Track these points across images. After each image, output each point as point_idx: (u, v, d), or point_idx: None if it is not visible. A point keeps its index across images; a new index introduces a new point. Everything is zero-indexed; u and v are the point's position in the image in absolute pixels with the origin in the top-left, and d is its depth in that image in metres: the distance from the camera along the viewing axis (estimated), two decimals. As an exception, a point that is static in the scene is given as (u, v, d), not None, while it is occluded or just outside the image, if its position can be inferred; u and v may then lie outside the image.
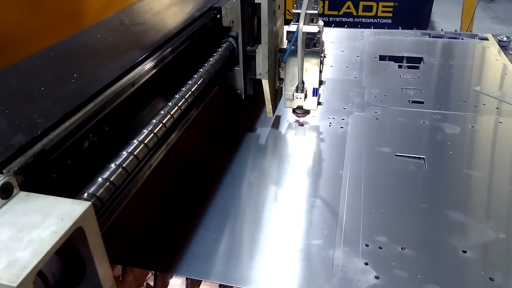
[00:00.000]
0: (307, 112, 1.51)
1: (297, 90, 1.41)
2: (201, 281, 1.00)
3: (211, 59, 1.25)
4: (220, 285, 0.96)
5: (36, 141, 0.67)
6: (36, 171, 0.66)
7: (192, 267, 0.96)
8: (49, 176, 0.70)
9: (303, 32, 1.31)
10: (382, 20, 4.56)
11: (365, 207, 1.11)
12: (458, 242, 1.00)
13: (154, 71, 1.03)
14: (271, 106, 1.44)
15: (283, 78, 1.43)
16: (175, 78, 1.15)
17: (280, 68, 1.42)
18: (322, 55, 1.39)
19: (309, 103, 1.45)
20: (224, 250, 1.00)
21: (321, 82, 1.45)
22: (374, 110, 1.56)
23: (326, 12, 4.63)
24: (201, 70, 1.17)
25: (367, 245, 1.00)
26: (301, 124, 1.52)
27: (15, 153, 0.63)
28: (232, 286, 0.94)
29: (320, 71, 1.41)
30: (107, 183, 0.73)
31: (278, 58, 1.42)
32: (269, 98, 1.41)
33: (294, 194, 1.18)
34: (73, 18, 1.95)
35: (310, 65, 1.38)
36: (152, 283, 1.02)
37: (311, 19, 1.34)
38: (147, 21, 1.27)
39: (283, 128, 1.51)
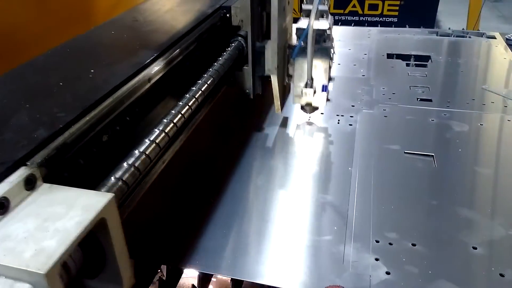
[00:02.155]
0: (315, 108, 1.51)
1: (306, 86, 1.40)
2: (212, 275, 1.01)
3: (220, 58, 1.25)
4: (231, 279, 0.97)
5: (58, 134, 0.68)
6: (58, 163, 0.67)
7: (204, 261, 0.97)
8: (71, 168, 0.71)
9: (313, 29, 1.30)
10: (388, 19, 4.55)
11: (374, 204, 1.12)
12: (468, 239, 1.01)
13: (168, 67, 1.05)
14: (279, 103, 1.44)
15: (291, 75, 1.42)
16: (187, 75, 1.16)
17: (289, 65, 1.41)
18: (332, 51, 1.39)
19: (318, 99, 1.44)
20: (235, 245, 1.01)
21: (330, 79, 1.44)
22: (383, 108, 1.57)
23: (332, 10, 4.62)
24: (210, 69, 1.18)
25: (377, 241, 1.01)
26: (310, 124, 1.52)
27: (38, 145, 0.64)
28: (243, 280, 0.95)
29: (330, 67, 1.41)
30: (120, 183, 0.74)
31: (287, 55, 1.42)
32: (278, 94, 1.40)
33: (304, 191, 1.19)
34: (82, 18, 1.96)
35: (320, 62, 1.37)
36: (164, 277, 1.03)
37: (320, 15, 1.34)
38: (158, 19, 1.29)
39: (292, 126, 1.51)
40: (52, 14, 1.84)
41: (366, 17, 4.62)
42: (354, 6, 4.60)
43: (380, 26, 2.44)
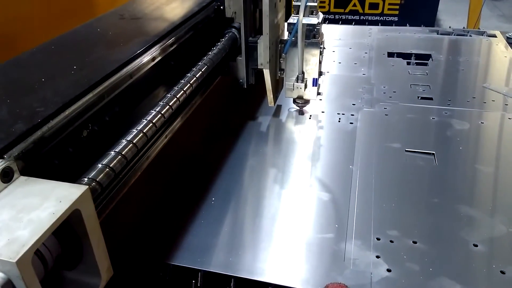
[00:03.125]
0: (307, 101, 1.56)
1: (297, 80, 1.46)
2: (213, 273, 1.01)
3: (214, 48, 1.29)
4: (232, 277, 0.97)
5: (36, 129, 0.70)
6: (36, 157, 0.69)
7: (205, 260, 0.97)
8: (49, 162, 0.73)
9: (303, 24, 1.35)
10: (388, 18, 4.54)
11: (376, 202, 1.12)
12: (469, 236, 1.01)
13: (154, 62, 1.06)
14: (272, 96, 1.49)
15: (284, 69, 1.48)
16: (178, 68, 1.18)
17: (281, 59, 1.47)
18: (322, 46, 1.44)
19: (309, 93, 1.50)
20: (236, 243, 1.01)
21: (320, 73, 1.50)
22: (384, 106, 1.57)
23: (332, 9, 4.61)
24: (205, 58, 1.21)
25: (378, 239, 1.01)
26: (302, 113, 1.57)
27: (15, 139, 0.66)
28: (245, 278, 0.95)
29: (320, 62, 1.46)
30: (107, 169, 0.76)
31: (279, 49, 1.47)
32: (270, 88, 1.46)
33: (305, 189, 1.19)
34: (84, 10, 1.94)
35: (310, 56, 1.43)
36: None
37: (310, 11, 1.37)
38: (150, 13, 1.30)
39: (291, 124, 1.52)
40: (55, 4, 1.82)
41: (367, 16, 4.61)
42: (354, 5, 4.59)
43: (381, 25, 2.44)
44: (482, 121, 1.48)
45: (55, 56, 1.00)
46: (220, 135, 1.47)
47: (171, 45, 1.14)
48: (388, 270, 0.93)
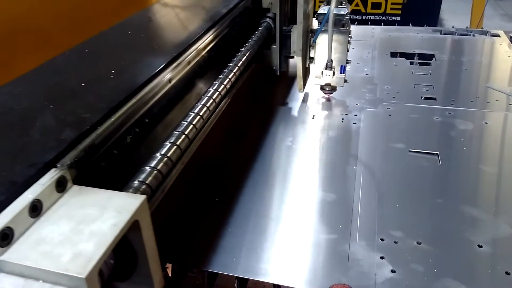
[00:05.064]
0: (334, 89, 1.62)
1: (326, 68, 1.54)
2: (217, 273, 1.01)
3: (252, 37, 1.35)
4: (236, 277, 0.98)
5: (85, 136, 0.68)
6: (86, 165, 0.66)
7: (209, 260, 0.97)
8: (97, 170, 0.70)
9: (333, 14, 1.42)
10: (391, 18, 4.54)
11: (380, 202, 1.12)
12: (473, 237, 1.01)
13: (192, 63, 1.06)
14: (302, 82, 1.58)
15: (312, 57, 1.56)
16: (218, 60, 1.19)
17: (310, 47, 1.55)
18: (350, 35, 1.51)
19: (337, 80, 1.57)
20: (239, 243, 1.01)
21: (348, 61, 1.56)
22: (387, 107, 1.57)
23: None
24: (243, 49, 1.25)
25: (382, 240, 1.01)
26: (328, 100, 1.64)
27: (67, 147, 0.64)
28: (248, 279, 0.95)
29: (348, 51, 1.52)
30: (155, 172, 0.74)
31: (309, 38, 1.55)
32: (301, 74, 1.54)
33: (308, 189, 1.19)
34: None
35: (339, 44, 1.50)
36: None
37: (340, 2, 1.46)
38: (180, 13, 1.31)
39: (295, 125, 1.51)
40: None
41: (369, 16, 4.61)
42: (357, 5, 4.59)
43: (383, 25, 2.43)
44: (486, 121, 1.48)
45: (90, 59, 0.98)
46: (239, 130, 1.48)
47: (212, 41, 1.15)
48: (393, 271, 0.93)
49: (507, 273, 0.92)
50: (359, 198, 1.14)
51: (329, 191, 1.17)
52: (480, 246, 0.98)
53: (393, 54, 2.04)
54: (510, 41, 2.14)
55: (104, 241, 0.52)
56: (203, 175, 1.26)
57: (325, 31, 1.46)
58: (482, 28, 2.42)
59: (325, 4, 1.46)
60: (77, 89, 0.82)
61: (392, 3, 4.50)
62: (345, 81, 1.59)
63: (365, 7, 4.58)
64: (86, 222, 0.54)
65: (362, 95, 1.66)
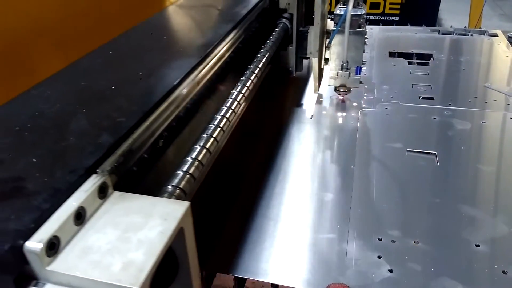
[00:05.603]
0: (349, 90, 1.61)
1: (341, 68, 1.52)
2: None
3: (271, 37, 1.34)
4: (234, 277, 0.98)
5: (123, 140, 0.66)
6: (125, 170, 0.65)
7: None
8: (134, 175, 0.69)
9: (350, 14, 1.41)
10: (389, 17, 4.54)
11: (377, 202, 1.12)
12: (470, 236, 1.01)
13: (216, 67, 1.04)
14: (317, 84, 1.58)
15: (328, 58, 1.55)
16: (239, 62, 1.18)
17: (326, 48, 1.53)
18: (366, 36, 1.50)
19: (352, 81, 1.55)
20: (237, 243, 1.01)
21: (363, 62, 1.54)
22: (385, 106, 1.57)
23: (333, 9, 4.61)
24: (262, 50, 1.24)
25: (380, 239, 1.01)
26: (343, 101, 1.63)
27: (106, 152, 0.62)
28: (246, 278, 0.95)
29: (364, 51, 1.51)
30: (188, 176, 0.73)
31: (325, 39, 1.53)
32: (317, 76, 1.55)
33: (306, 189, 1.19)
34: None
35: (355, 45, 1.48)
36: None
37: (356, 3, 1.44)
38: (201, 13, 1.29)
39: (292, 126, 1.51)
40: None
41: (368, 16, 4.60)
42: (355, 4, 4.59)
43: (382, 25, 2.44)
44: (484, 121, 1.48)
45: (116, 61, 0.95)
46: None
47: (234, 42, 1.14)
48: (390, 270, 0.93)
49: (504, 272, 0.92)
50: (356, 197, 1.14)
51: (326, 191, 1.17)
52: (478, 246, 0.99)
53: (391, 54, 2.04)
54: (508, 41, 2.14)
55: (154, 249, 0.50)
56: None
57: (341, 31, 1.45)
58: (481, 28, 2.43)
59: (342, 4, 1.45)
60: (107, 92, 0.80)
61: (390, 3, 4.51)
62: (360, 82, 1.58)
63: (364, 7, 4.58)
64: (132, 230, 0.52)
65: (360, 94, 1.66)
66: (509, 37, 2.18)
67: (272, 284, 0.93)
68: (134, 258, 0.49)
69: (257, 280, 0.93)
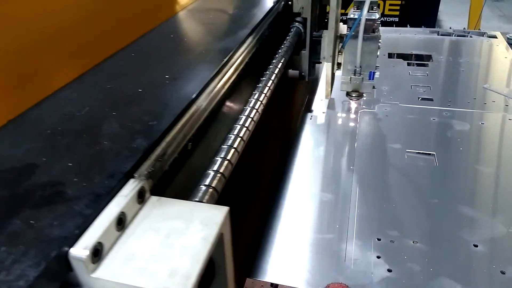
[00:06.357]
0: (361, 95, 1.60)
1: (354, 73, 1.50)
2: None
3: (285, 42, 1.31)
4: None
5: (157, 144, 0.65)
6: (160, 174, 0.64)
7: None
8: (168, 178, 0.68)
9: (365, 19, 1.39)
10: (389, 19, 4.55)
11: (376, 202, 1.13)
12: (469, 236, 1.02)
13: (245, 61, 1.04)
14: (330, 89, 1.56)
15: (340, 63, 1.52)
16: (255, 66, 1.16)
17: (339, 53, 1.50)
18: (380, 40, 1.47)
19: (365, 86, 1.53)
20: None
21: (376, 67, 1.52)
22: (384, 107, 1.58)
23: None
24: (277, 55, 1.22)
25: (379, 239, 1.01)
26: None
27: (142, 156, 0.61)
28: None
29: (377, 56, 1.49)
30: (219, 175, 0.73)
31: (338, 44, 1.51)
32: (330, 81, 1.53)
33: (305, 189, 1.20)
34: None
35: (368, 50, 1.46)
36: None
37: (370, 7, 1.41)
38: (219, 15, 1.27)
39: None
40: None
41: (367, 17, 4.61)
42: (355, 6, 4.59)
43: (381, 26, 2.44)
44: (483, 122, 1.48)
45: (140, 64, 0.94)
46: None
47: (254, 46, 1.12)
48: (389, 270, 0.93)
49: (502, 272, 0.92)
50: (356, 197, 1.14)
51: (326, 191, 1.18)
52: (476, 246, 0.99)
53: (391, 55, 2.05)
54: (507, 42, 2.15)
55: (198, 256, 0.48)
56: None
57: (355, 36, 1.43)
58: (480, 29, 2.43)
59: (355, 8, 1.42)
60: (135, 95, 0.78)
61: (390, 4, 4.52)
62: (373, 87, 1.56)
63: (363, 8, 4.59)
64: (174, 235, 0.51)
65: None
66: (508, 38, 2.18)
67: (272, 284, 0.94)
68: (180, 265, 0.47)
69: (257, 280, 0.93)
